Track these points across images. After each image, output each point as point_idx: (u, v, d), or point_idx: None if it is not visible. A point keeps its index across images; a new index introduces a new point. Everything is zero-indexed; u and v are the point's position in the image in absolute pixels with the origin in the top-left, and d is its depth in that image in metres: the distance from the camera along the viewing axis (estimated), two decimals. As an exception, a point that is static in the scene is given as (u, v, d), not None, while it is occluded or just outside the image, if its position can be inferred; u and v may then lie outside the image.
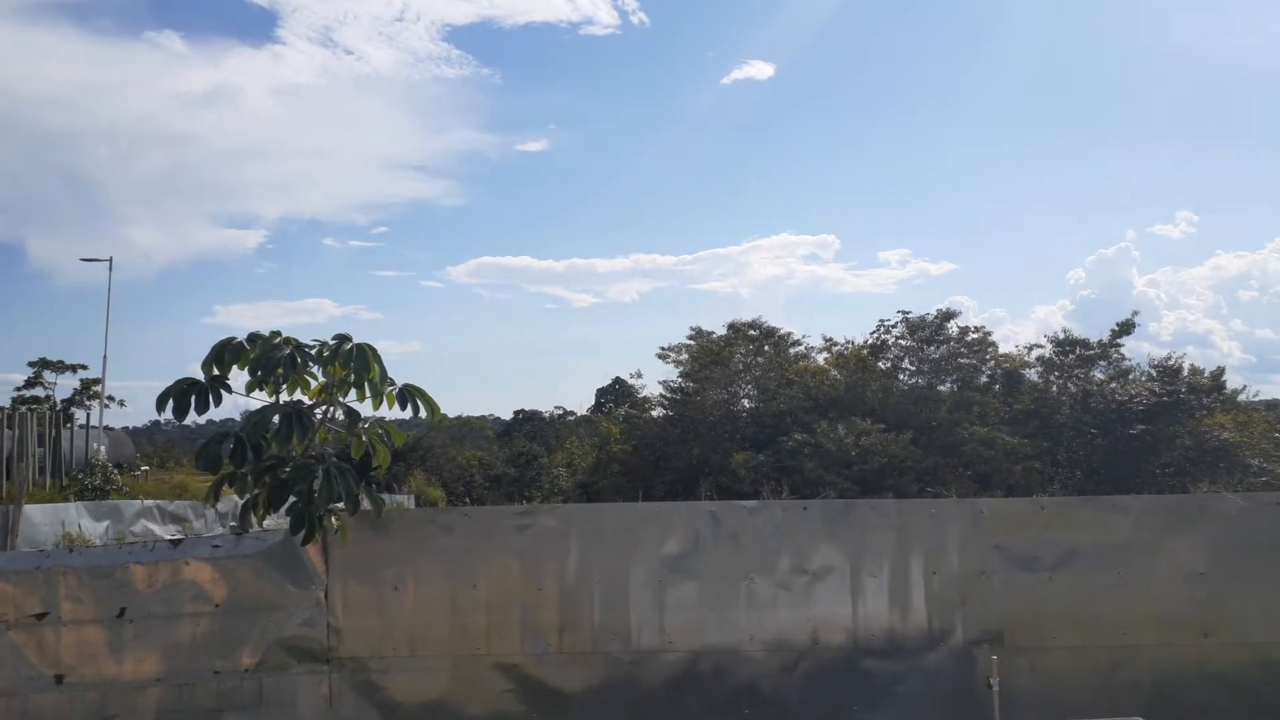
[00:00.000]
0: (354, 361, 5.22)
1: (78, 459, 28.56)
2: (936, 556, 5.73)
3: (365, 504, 5.38)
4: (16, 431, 25.49)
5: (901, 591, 5.71)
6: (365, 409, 5.63)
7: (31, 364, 54.14)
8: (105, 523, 20.77)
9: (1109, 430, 30.71)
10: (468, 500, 35.80)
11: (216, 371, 5.33)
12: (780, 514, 5.79)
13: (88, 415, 35.41)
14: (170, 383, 5.36)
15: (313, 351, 5.42)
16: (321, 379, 5.55)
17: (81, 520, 20.00)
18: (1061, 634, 5.66)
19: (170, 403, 5.21)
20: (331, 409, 5.50)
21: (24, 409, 30.01)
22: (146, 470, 31.11)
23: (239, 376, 5.45)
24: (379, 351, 5.40)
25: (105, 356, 37.17)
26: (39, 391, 53.40)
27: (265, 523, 5.76)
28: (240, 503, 5.46)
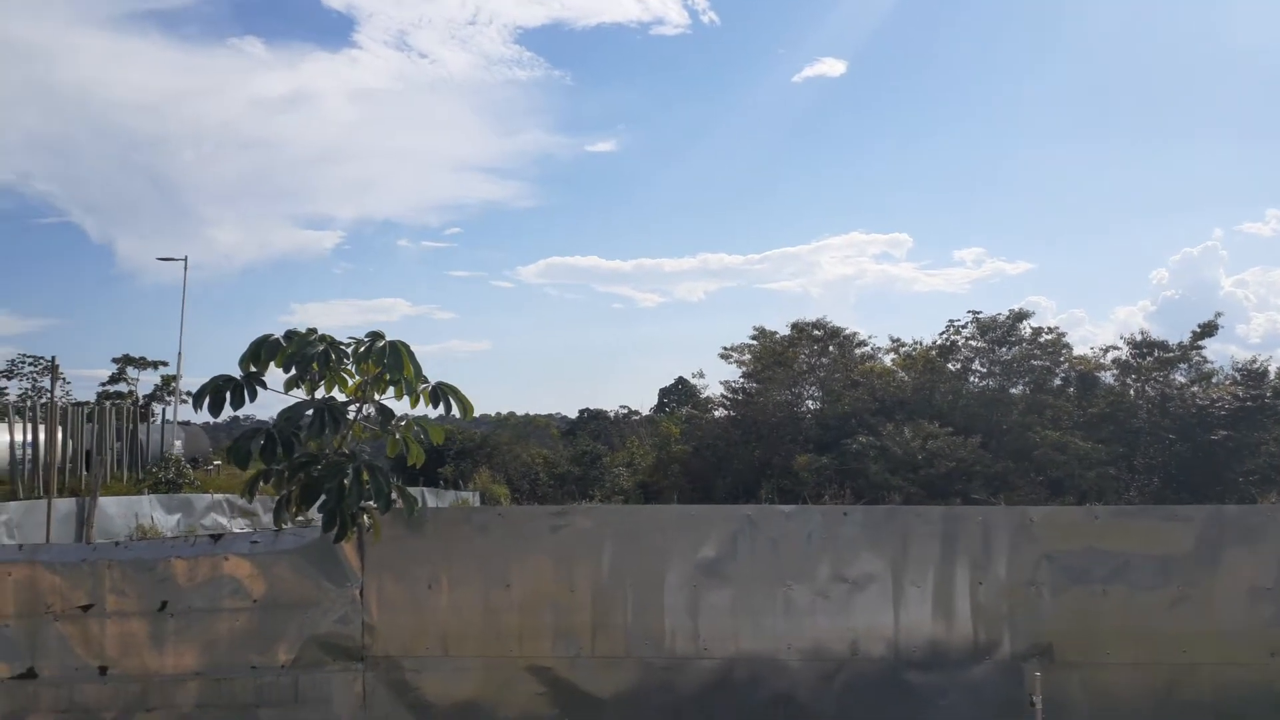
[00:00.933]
0: (387, 359, 5.21)
1: (155, 453, 29.49)
2: (983, 566, 5.51)
3: (398, 502, 5.37)
4: (96, 426, 26.41)
5: (946, 602, 5.50)
6: (404, 406, 5.63)
7: (115, 360, 56.13)
8: (177, 515, 21.40)
9: (1189, 436, 29.59)
10: (512, 500, 36.00)
11: (253, 368, 5.36)
12: (819, 520, 5.63)
13: (163, 411, 36.56)
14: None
15: (348, 349, 5.43)
16: (358, 377, 5.56)
17: (154, 513, 20.63)
18: (1115, 649, 5.40)
19: (207, 399, 5.26)
20: (365, 406, 5.50)
21: (107, 404, 31.09)
22: (219, 465, 31.93)
23: (279, 376, 5.48)
24: (413, 349, 5.39)
25: (180, 353, 38.02)
26: (122, 387, 55.34)
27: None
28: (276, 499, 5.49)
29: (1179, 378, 32.51)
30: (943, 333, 35.45)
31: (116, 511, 19.65)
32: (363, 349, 5.38)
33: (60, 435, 24.32)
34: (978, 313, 34.79)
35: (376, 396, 5.55)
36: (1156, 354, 32.66)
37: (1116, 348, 33.76)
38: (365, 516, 5.43)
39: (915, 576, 5.53)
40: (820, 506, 6.14)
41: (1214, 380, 32.01)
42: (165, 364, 54.12)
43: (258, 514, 22.58)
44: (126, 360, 55.83)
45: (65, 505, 18.20)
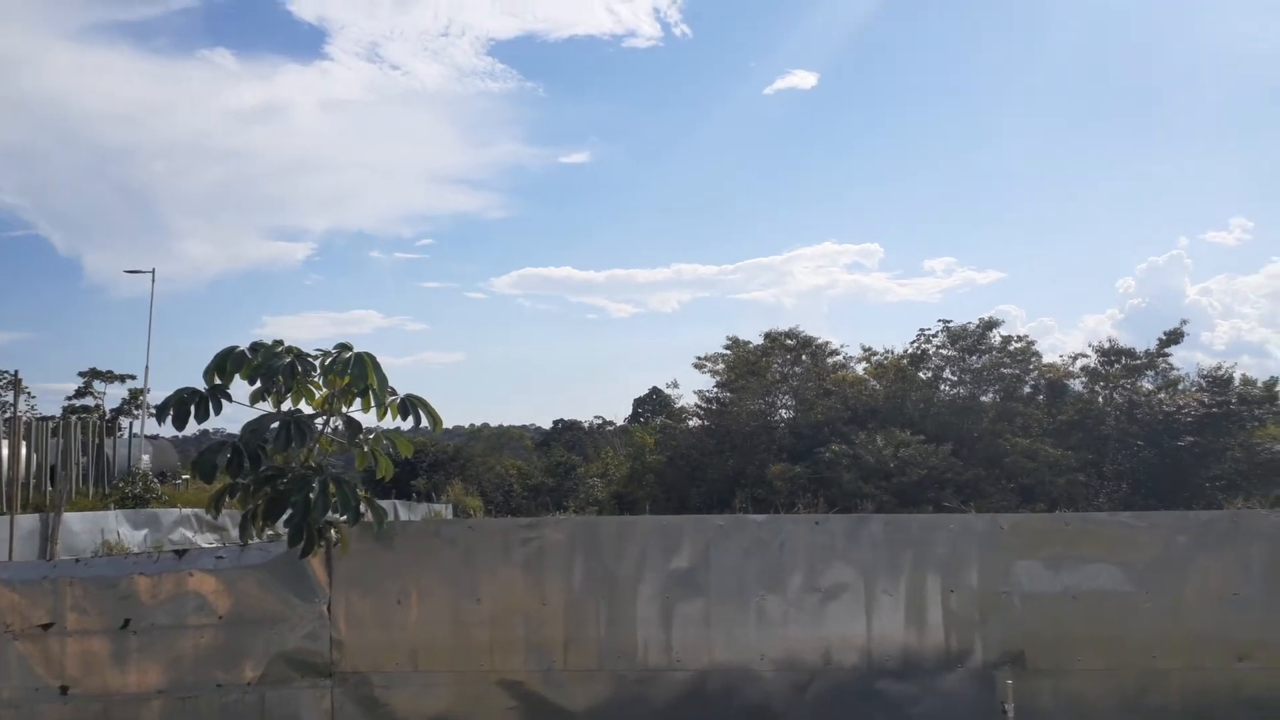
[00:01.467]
0: (351, 370, 5.14)
1: (121, 468, 29.06)
2: (955, 574, 5.52)
3: (366, 515, 5.30)
4: (61, 440, 25.98)
5: (918, 610, 5.50)
6: (373, 419, 5.56)
7: (82, 374, 55.31)
8: (144, 531, 21.06)
9: (1156, 442, 29.95)
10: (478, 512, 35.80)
11: (218, 380, 5.27)
12: (791, 529, 5.61)
13: (130, 425, 36.09)
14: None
15: (315, 361, 5.36)
16: (325, 389, 5.49)
17: (120, 528, 20.29)
18: (1086, 656, 5.41)
19: (170, 412, 5.17)
20: (333, 419, 5.43)
21: (73, 418, 30.61)
22: (187, 479, 31.52)
23: (246, 389, 5.40)
24: (381, 361, 5.32)
25: (147, 366, 37.58)
26: (89, 401, 54.53)
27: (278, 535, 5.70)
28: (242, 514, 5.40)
29: (1146, 385, 32.91)
30: (913, 341, 35.71)
31: (82, 527, 19.31)
32: (330, 361, 5.32)
33: (24, 450, 23.91)
34: (948, 322, 35.10)
35: (344, 409, 5.48)
36: (1124, 361, 33.04)
37: (1085, 355, 34.15)
38: (333, 530, 5.36)
39: (887, 585, 5.52)
40: (792, 516, 6.14)
41: (1180, 387, 32.46)
42: (133, 378, 53.41)
43: (227, 529, 22.23)
44: (93, 374, 55.04)
45: (29, 521, 17.87)
